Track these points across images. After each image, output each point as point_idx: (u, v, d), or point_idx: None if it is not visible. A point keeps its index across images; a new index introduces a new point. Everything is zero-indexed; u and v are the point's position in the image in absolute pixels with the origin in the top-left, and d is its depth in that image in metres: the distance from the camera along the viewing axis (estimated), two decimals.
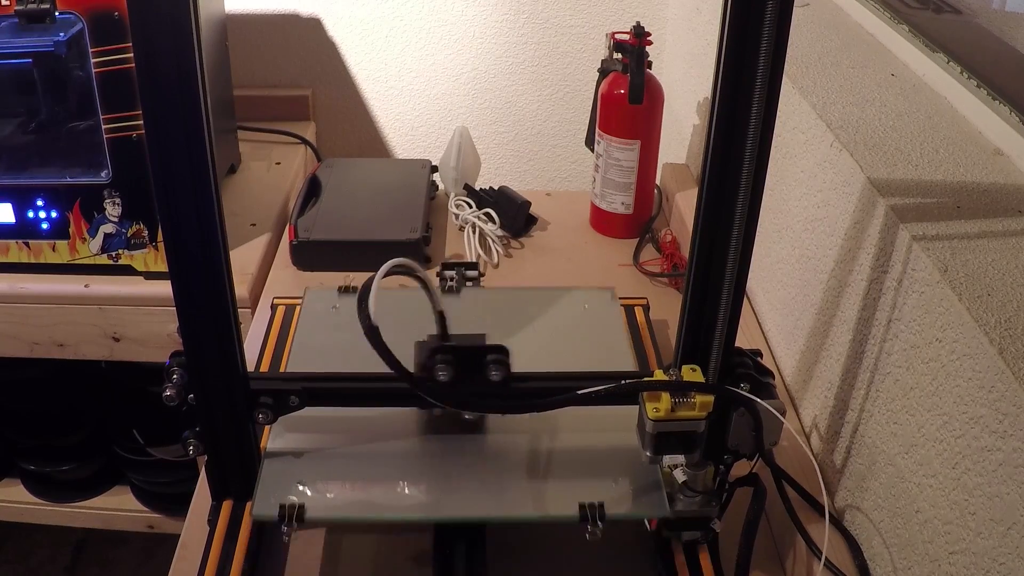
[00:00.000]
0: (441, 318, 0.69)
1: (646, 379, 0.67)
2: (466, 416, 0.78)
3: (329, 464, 0.74)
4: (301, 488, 0.70)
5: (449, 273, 0.98)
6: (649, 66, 1.14)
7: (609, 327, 0.91)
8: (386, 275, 0.62)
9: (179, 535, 0.78)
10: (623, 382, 0.67)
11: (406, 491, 0.71)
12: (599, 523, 0.68)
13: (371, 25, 1.53)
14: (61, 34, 1.00)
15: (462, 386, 0.68)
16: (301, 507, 0.68)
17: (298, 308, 0.94)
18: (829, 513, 0.74)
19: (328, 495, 0.70)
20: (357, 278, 0.62)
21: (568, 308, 0.94)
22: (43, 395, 1.36)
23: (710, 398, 0.65)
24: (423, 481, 0.73)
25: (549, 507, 0.70)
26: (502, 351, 0.69)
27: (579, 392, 0.66)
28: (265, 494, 0.70)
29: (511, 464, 0.74)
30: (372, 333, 0.60)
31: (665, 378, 0.66)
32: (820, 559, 0.69)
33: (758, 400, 0.66)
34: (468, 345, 0.69)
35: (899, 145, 0.80)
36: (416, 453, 0.76)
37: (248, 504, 0.72)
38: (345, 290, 0.95)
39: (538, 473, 0.74)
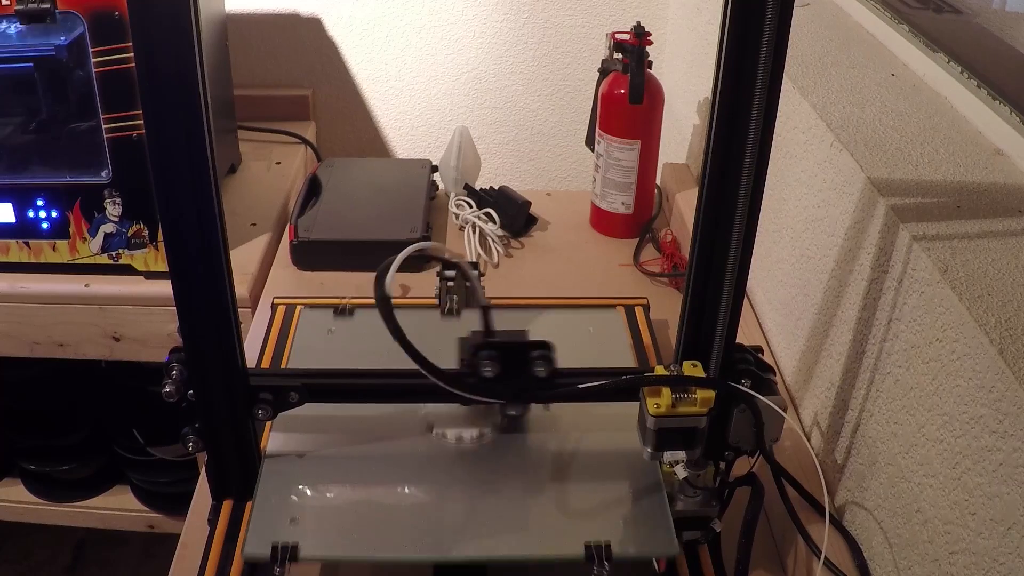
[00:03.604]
0: (485, 312, 0.69)
1: (647, 374, 0.67)
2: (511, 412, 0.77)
3: (324, 498, 0.71)
4: (294, 525, 0.68)
5: (449, 273, 0.98)
6: (649, 66, 1.14)
7: (614, 344, 0.90)
8: (405, 258, 0.62)
9: (179, 535, 0.78)
10: (624, 377, 0.67)
11: (404, 529, 0.68)
12: (606, 564, 0.65)
13: (371, 25, 1.53)
14: (62, 38, 1.00)
15: (466, 377, 0.68)
16: (295, 547, 0.65)
17: (293, 326, 0.92)
18: (829, 513, 0.74)
19: (322, 532, 0.67)
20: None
21: (574, 327, 0.92)
22: (43, 395, 1.36)
23: (711, 394, 0.65)
24: (422, 517, 0.69)
25: (553, 546, 0.67)
26: (546, 347, 0.69)
27: (580, 386, 0.66)
28: (257, 531, 0.67)
29: (514, 493, 0.71)
30: (383, 303, 0.60)
31: (666, 373, 0.66)
32: (819, 559, 0.69)
33: (759, 396, 0.66)
34: (512, 341, 0.69)
35: (899, 145, 0.80)
36: (415, 483, 0.73)
37: (248, 504, 0.72)
38: (341, 311, 0.91)
39: (541, 505, 0.71)
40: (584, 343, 0.90)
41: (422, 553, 0.67)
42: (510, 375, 0.68)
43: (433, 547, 0.67)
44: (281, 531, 0.67)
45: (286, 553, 0.65)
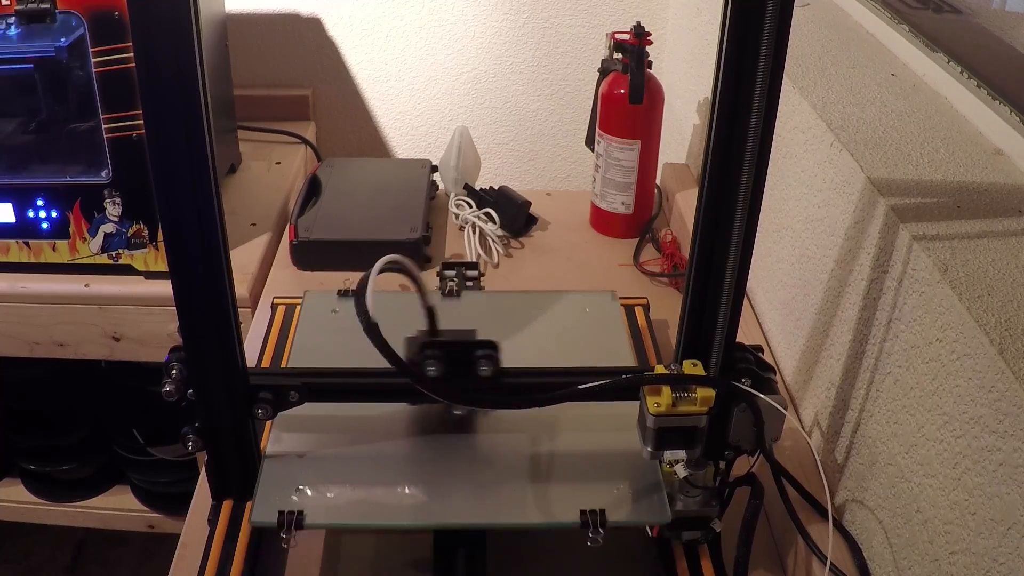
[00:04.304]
0: (430, 313, 0.69)
1: (647, 373, 0.67)
2: (456, 412, 0.78)
3: (328, 467, 0.73)
4: (300, 494, 0.70)
5: (449, 273, 0.98)
6: (649, 66, 1.14)
7: (610, 328, 0.91)
8: (379, 272, 0.63)
9: (179, 535, 0.78)
10: (624, 376, 0.67)
11: (406, 497, 0.71)
12: (600, 530, 0.67)
13: (371, 25, 1.53)
14: (63, 39, 1.00)
15: (462, 381, 0.68)
16: (300, 513, 0.68)
17: (297, 310, 0.93)
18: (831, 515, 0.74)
19: (327, 500, 0.70)
20: (357, 278, 0.62)
21: (569, 311, 0.93)
22: (43, 395, 1.36)
23: (711, 393, 0.65)
24: (424, 486, 0.72)
25: (550, 513, 0.70)
26: (491, 346, 0.69)
27: (580, 387, 0.66)
28: (264, 499, 0.69)
29: (512, 467, 0.74)
30: (371, 330, 0.60)
31: (666, 372, 0.66)
32: (825, 564, 0.68)
33: (759, 395, 0.66)
34: (457, 340, 0.69)
35: (899, 145, 0.80)
36: (416, 456, 0.75)
37: (248, 504, 0.72)
38: (344, 293, 0.94)
39: (539, 477, 0.73)
40: (584, 342, 0.90)
41: (424, 520, 0.70)
42: (455, 375, 0.68)
43: (434, 514, 0.70)
44: (287, 500, 0.70)
45: (292, 519, 0.67)
